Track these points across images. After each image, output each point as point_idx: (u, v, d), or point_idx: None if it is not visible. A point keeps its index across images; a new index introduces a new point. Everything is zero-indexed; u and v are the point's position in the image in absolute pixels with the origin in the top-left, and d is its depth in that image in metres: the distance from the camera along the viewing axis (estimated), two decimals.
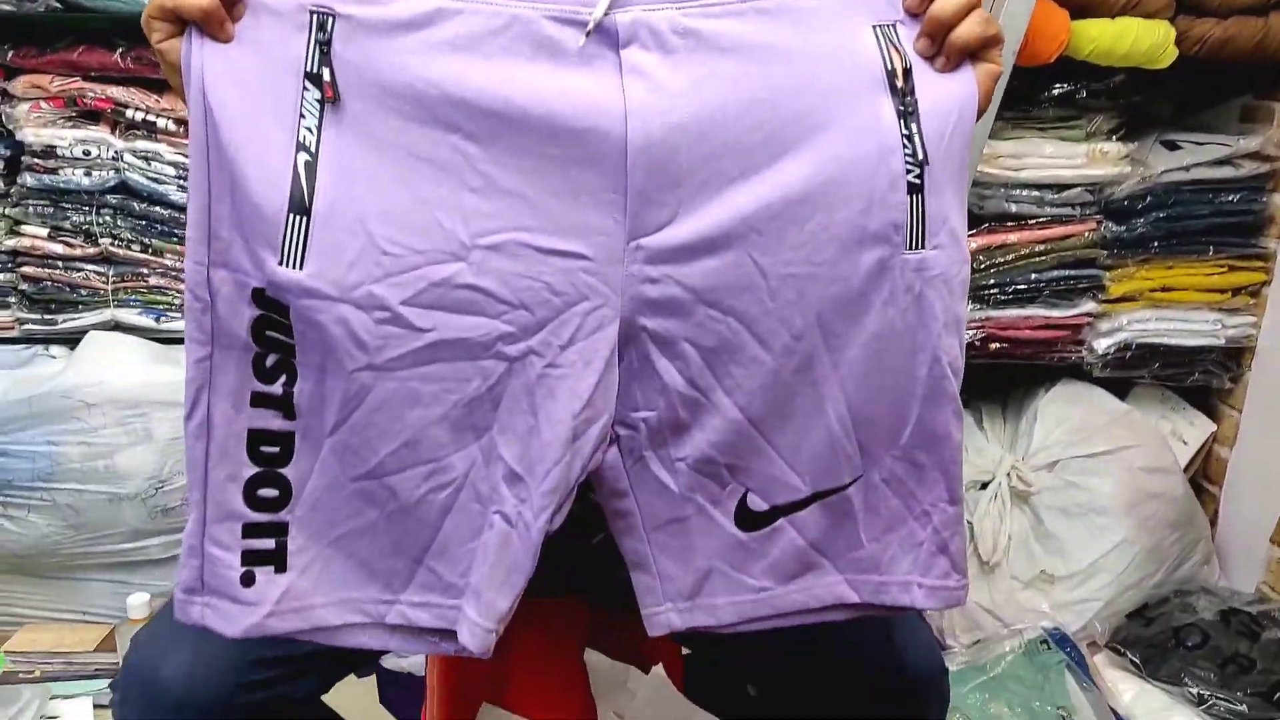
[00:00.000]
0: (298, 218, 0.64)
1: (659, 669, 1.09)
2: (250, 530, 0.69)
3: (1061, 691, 1.42)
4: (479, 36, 0.64)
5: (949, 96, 0.68)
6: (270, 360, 0.67)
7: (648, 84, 0.64)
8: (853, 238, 0.67)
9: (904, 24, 0.68)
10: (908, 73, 0.67)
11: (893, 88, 0.67)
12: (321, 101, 0.64)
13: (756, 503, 0.72)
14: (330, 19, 0.64)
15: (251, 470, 0.69)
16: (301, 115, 0.64)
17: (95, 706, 1.59)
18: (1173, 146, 1.71)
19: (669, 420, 0.69)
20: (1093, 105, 1.68)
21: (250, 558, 0.69)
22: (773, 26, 0.66)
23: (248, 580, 0.69)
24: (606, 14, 0.63)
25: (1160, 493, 1.63)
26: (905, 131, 0.66)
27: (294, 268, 0.64)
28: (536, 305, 0.66)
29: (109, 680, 1.63)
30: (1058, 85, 1.66)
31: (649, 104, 0.64)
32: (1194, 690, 1.42)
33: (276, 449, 0.69)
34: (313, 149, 0.64)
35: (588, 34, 0.63)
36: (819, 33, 0.67)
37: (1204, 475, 1.86)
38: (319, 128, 0.64)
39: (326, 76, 0.64)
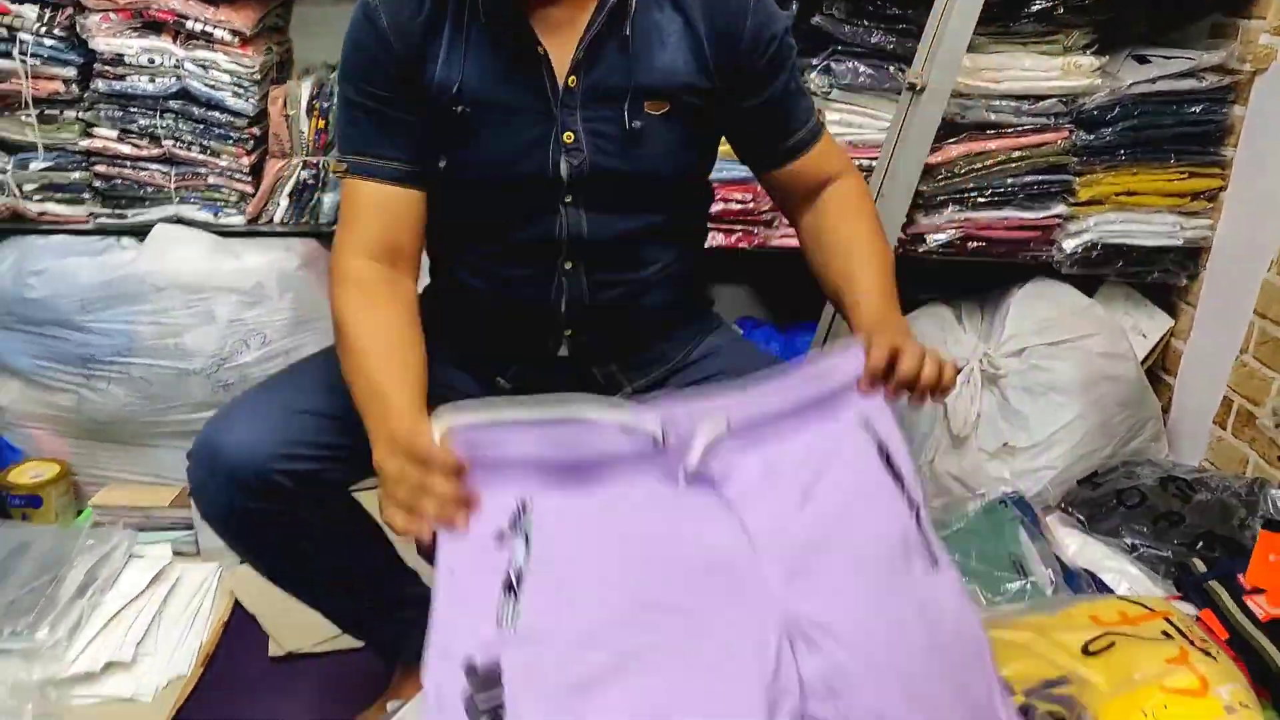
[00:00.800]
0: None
1: None
2: None
3: (1014, 541, 1.62)
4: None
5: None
6: None
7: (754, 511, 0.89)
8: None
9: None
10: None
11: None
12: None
13: None
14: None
15: None
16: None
17: (174, 553, 1.82)
18: (1143, 60, 1.85)
19: None
20: (1069, 21, 1.82)
21: None
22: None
23: None
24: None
25: (1114, 375, 1.81)
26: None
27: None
28: None
29: (182, 531, 1.87)
30: (1036, 2, 1.80)
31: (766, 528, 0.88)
32: (1129, 541, 1.63)
33: None
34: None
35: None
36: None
37: (1161, 366, 2.04)
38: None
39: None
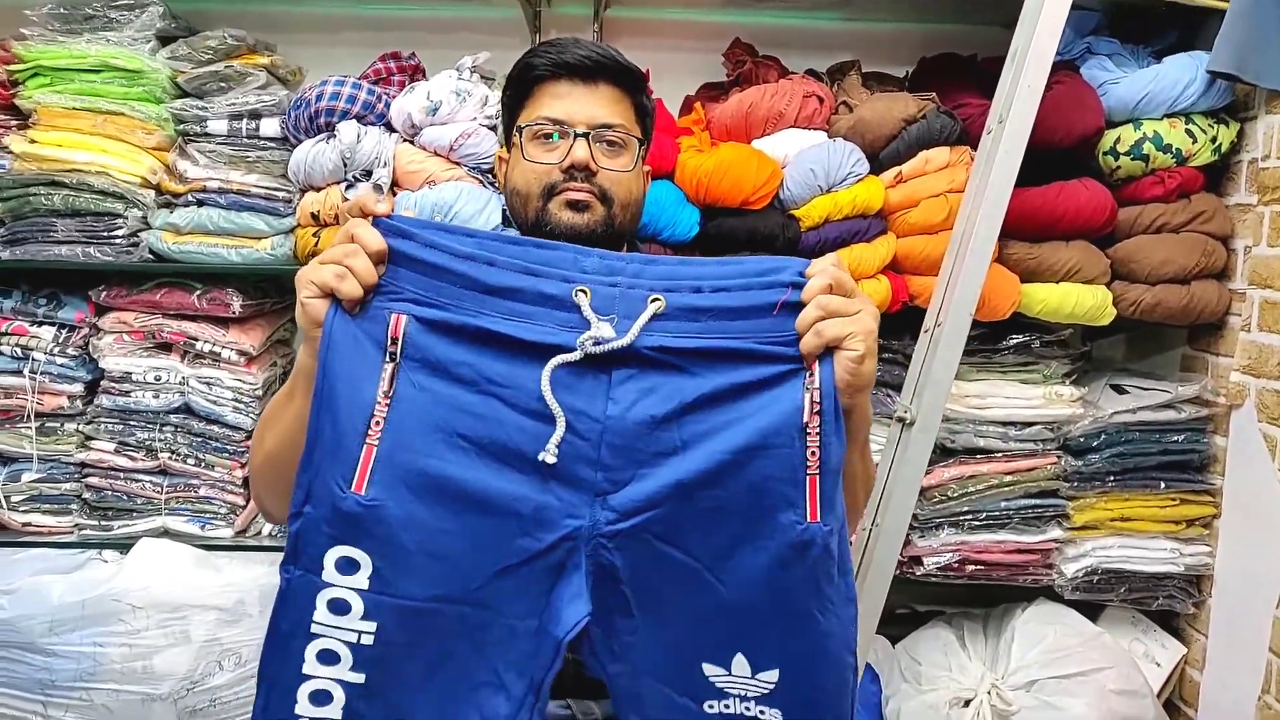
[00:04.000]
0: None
1: None
2: None
3: None
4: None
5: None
6: None
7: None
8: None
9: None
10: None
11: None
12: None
13: None
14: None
15: None
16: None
17: None
18: (1121, 390, 1.91)
19: None
20: (1046, 354, 1.90)
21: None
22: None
23: None
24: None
25: (1132, 716, 1.72)
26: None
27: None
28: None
29: None
30: (1014, 336, 1.89)
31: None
32: None
33: None
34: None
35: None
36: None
37: (1180, 697, 1.94)
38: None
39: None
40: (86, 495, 1.93)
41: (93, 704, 1.78)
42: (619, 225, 1.12)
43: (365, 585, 0.83)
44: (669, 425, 0.85)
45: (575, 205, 1.10)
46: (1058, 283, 1.84)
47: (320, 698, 0.84)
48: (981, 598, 2.01)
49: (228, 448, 1.93)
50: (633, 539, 0.85)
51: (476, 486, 0.84)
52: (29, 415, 1.89)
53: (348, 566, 0.83)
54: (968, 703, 1.79)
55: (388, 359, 0.84)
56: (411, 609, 0.84)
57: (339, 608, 0.83)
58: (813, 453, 0.84)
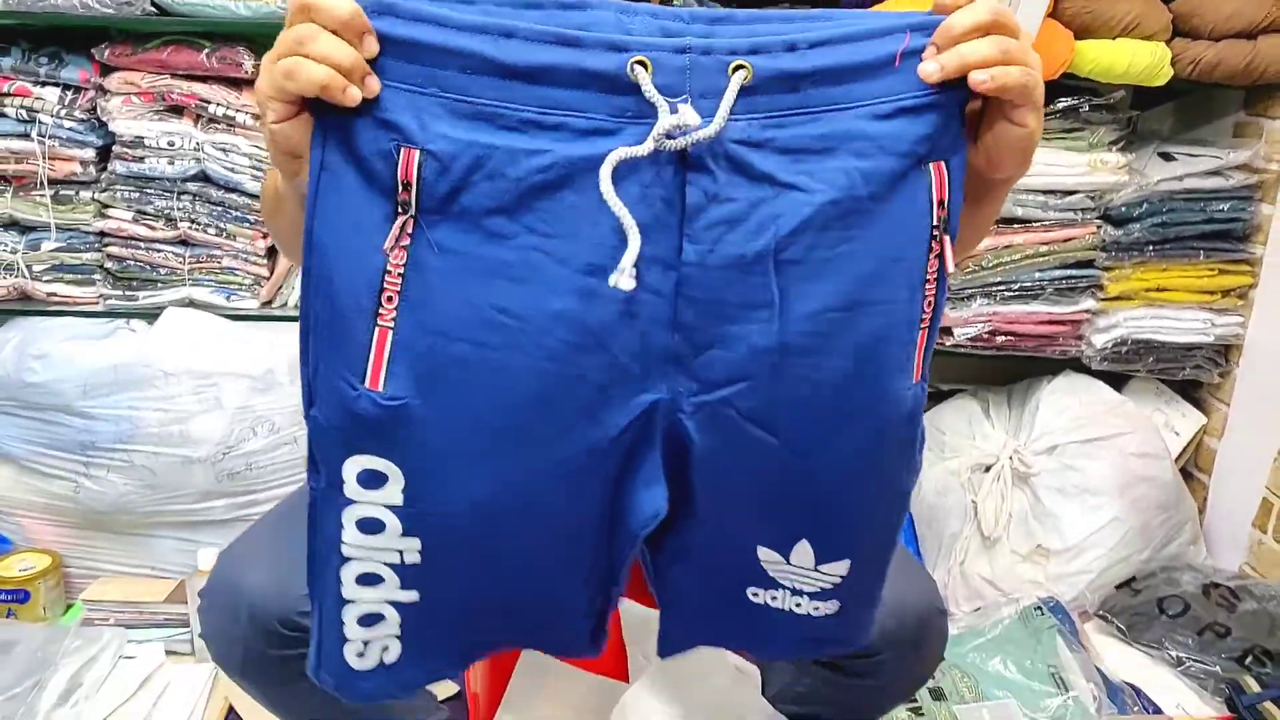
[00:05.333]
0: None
1: None
2: None
3: (1052, 651, 1.55)
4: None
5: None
6: None
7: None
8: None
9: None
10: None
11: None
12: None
13: None
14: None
15: None
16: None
17: (166, 652, 1.73)
18: (1169, 158, 1.85)
19: None
20: (1095, 119, 1.82)
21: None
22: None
23: None
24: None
25: (1150, 476, 1.76)
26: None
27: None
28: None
29: (177, 628, 1.78)
30: (1063, 99, 1.80)
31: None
32: (1173, 654, 1.55)
33: None
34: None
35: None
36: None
37: (1195, 464, 1.99)
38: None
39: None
40: (109, 265, 1.91)
41: (133, 465, 1.82)
42: None
43: (399, 501, 0.68)
44: (762, 268, 0.65)
45: None
46: (1114, 39, 1.74)
47: (370, 620, 0.73)
48: (1007, 375, 2.02)
49: (248, 218, 1.89)
50: (714, 417, 0.68)
51: (523, 370, 0.65)
52: (41, 182, 1.84)
53: (372, 480, 0.67)
54: (989, 468, 1.83)
55: (399, 209, 0.63)
56: (461, 520, 0.69)
57: (370, 526, 0.69)
58: (929, 303, 0.68)
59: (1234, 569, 1.83)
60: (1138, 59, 1.73)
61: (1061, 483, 1.75)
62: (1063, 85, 1.78)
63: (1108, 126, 1.82)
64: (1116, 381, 1.94)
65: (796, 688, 1.04)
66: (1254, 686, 1.40)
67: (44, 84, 1.82)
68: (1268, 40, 1.72)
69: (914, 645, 0.96)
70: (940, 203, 0.66)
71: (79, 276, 1.91)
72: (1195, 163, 1.81)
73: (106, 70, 1.83)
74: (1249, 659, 1.50)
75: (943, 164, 0.67)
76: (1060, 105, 1.81)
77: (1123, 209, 1.82)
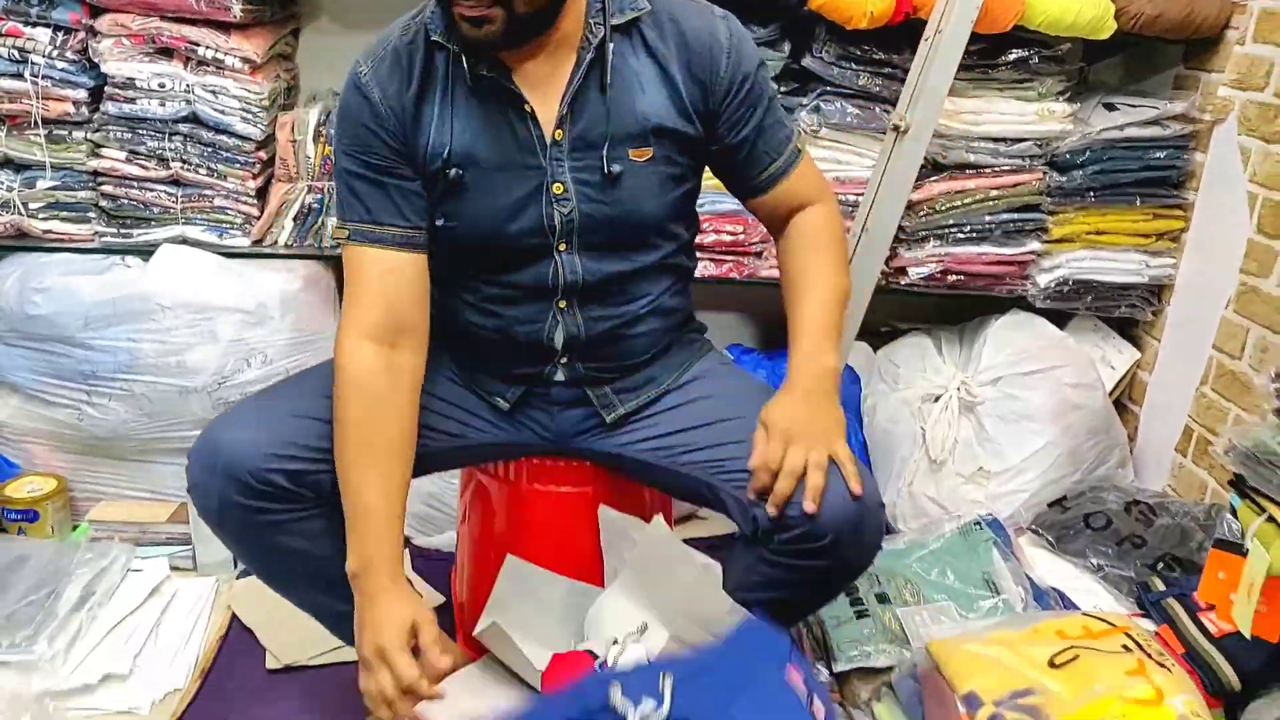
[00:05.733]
0: None
1: (659, 518, 1.31)
2: None
3: (988, 561, 1.70)
4: None
5: None
6: None
7: None
8: None
9: None
10: None
11: None
12: None
13: None
14: None
15: None
16: None
17: (171, 567, 1.85)
18: (1112, 108, 1.96)
19: None
20: (1044, 70, 1.93)
21: None
22: None
23: None
24: None
25: (1082, 404, 1.90)
26: None
27: None
28: None
29: (179, 546, 1.90)
30: (1014, 50, 1.91)
31: None
32: (1094, 562, 1.71)
33: None
34: None
35: None
36: None
37: (1129, 396, 2.14)
38: None
39: None
40: (103, 203, 1.98)
41: (133, 394, 1.92)
42: (526, 12, 1.04)
43: None
44: None
45: (472, 21, 1.03)
46: None
47: None
48: (960, 315, 2.15)
49: (239, 158, 1.96)
50: None
51: None
52: (35, 121, 1.91)
53: None
54: (938, 398, 1.97)
55: None
56: None
57: None
58: None
59: (1158, 490, 1.99)
60: (1084, 12, 1.83)
61: (1003, 411, 1.90)
62: (1014, 37, 1.88)
63: (1056, 78, 1.94)
64: (1060, 319, 2.09)
65: (753, 576, 1.17)
66: (1160, 586, 1.56)
67: (35, 24, 1.87)
68: None
69: (855, 530, 1.11)
70: None
71: (74, 214, 1.98)
72: (1136, 113, 1.93)
73: (96, 12, 1.88)
74: (1160, 565, 1.66)
75: None
76: (1011, 57, 1.91)
77: (1067, 156, 1.94)
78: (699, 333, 1.41)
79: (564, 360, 1.26)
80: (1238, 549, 1.22)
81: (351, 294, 1.15)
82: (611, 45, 1.12)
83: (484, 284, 1.23)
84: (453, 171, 1.13)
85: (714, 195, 1.89)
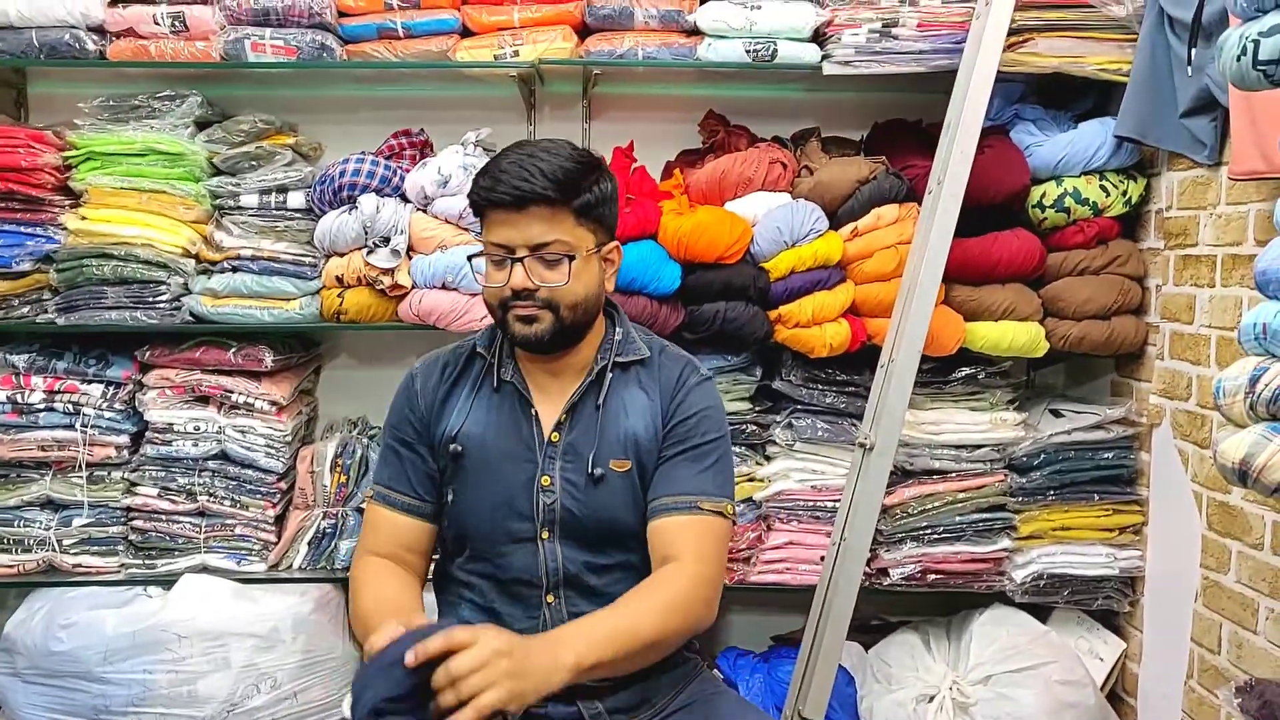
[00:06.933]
0: None
1: None
2: None
3: None
4: None
5: None
6: None
7: None
8: None
9: None
10: None
11: None
12: None
13: None
14: None
15: None
16: None
17: None
18: (1058, 414, 2.15)
19: None
20: (991, 383, 2.15)
21: None
22: None
23: None
24: None
25: (1075, 702, 1.93)
26: None
27: None
28: None
29: None
30: (963, 368, 2.13)
31: None
32: None
33: None
34: None
35: None
36: None
37: (1123, 688, 2.16)
38: None
39: None
40: (132, 537, 2.12)
41: None
42: (570, 323, 1.31)
43: None
44: None
45: (524, 319, 1.29)
46: (996, 320, 2.09)
47: None
48: (945, 606, 2.23)
49: (260, 489, 2.13)
50: None
51: None
52: (80, 465, 2.09)
53: None
54: (932, 698, 2.00)
55: None
56: None
57: None
58: None
59: None
60: (1018, 337, 2.08)
61: (997, 712, 1.92)
62: (962, 356, 2.11)
63: (1003, 389, 2.15)
64: (1043, 612, 2.16)
65: None
66: None
67: (90, 381, 2.11)
68: (1120, 320, 2.08)
69: None
70: None
71: (103, 548, 2.12)
72: (1080, 419, 2.12)
73: (145, 368, 2.13)
74: None
75: None
76: (962, 373, 2.13)
77: (1024, 459, 2.10)
78: (693, 652, 1.48)
79: None
80: None
81: (365, 534, 1.41)
82: (611, 375, 1.37)
83: (479, 577, 1.36)
84: (456, 446, 1.34)
85: None
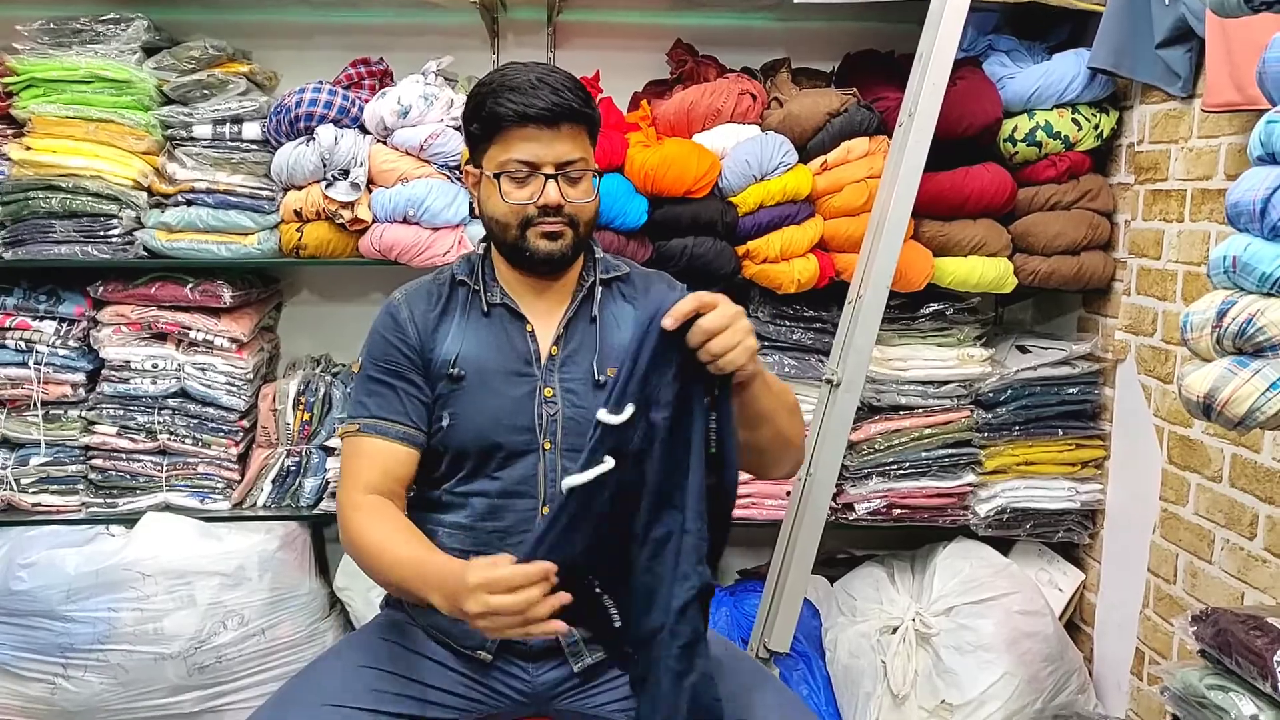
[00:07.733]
0: None
1: None
2: None
3: None
4: None
5: None
6: None
7: None
8: None
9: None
10: None
11: None
12: None
13: None
14: None
15: None
16: None
17: None
18: (1024, 350, 2.16)
19: None
20: (959, 319, 2.14)
21: None
22: None
23: None
24: None
25: (1034, 631, 1.97)
26: None
27: None
28: None
29: None
30: (930, 304, 2.12)
31: None
32: None
33: None
34: None
35: None
36: None
37: (1080, 617, 2.21)
38: None
39: None
40: (92, 476, 2.09)
41: (109, 664, 1.95)
42: (582, 240, 1.35)
43: None
44: None
45: (550, 235, 1.30)
46: (965, 256, 2.07)
47: None
48: (910, 540, 2.25)
49: (222, 428, 2.10)
50: None
51: None
52: (35, 404, 2.05)
53: None
54: (895, 629, 2.03)
55: None
56: None
57: None
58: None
59: (1120, 715, 2.02)
60: (986, 272, 2.07)
61: (958, 641, 1.96)
62: (930, 292, 2.10)
63: (971, 325, 2.14)
64: (1005, 545, 2.19)
65: None
66: None
67: (42, 318, 2.05)
68: (1089, 255, 2.07)
69: None
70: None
71: (64, 487, 2.09)
72: (1046, 354, 2.12)
73: (99, 304, 2.07)
74: None
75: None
76: (929, 309, 2.12)
77: (990, 395, 2.11)
78: None
79: None
80: None
81: (350, 470, 1.34)
82: (600, 290, 1.38)
83: (475, 496, 1.34)
84: (456, 370, 1.33)
85: None
